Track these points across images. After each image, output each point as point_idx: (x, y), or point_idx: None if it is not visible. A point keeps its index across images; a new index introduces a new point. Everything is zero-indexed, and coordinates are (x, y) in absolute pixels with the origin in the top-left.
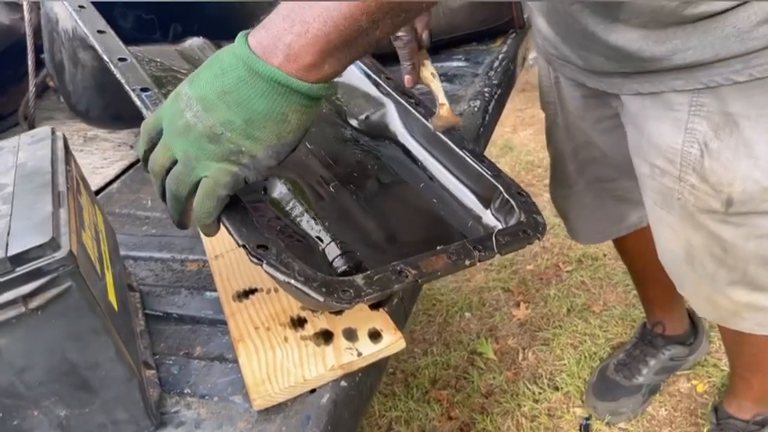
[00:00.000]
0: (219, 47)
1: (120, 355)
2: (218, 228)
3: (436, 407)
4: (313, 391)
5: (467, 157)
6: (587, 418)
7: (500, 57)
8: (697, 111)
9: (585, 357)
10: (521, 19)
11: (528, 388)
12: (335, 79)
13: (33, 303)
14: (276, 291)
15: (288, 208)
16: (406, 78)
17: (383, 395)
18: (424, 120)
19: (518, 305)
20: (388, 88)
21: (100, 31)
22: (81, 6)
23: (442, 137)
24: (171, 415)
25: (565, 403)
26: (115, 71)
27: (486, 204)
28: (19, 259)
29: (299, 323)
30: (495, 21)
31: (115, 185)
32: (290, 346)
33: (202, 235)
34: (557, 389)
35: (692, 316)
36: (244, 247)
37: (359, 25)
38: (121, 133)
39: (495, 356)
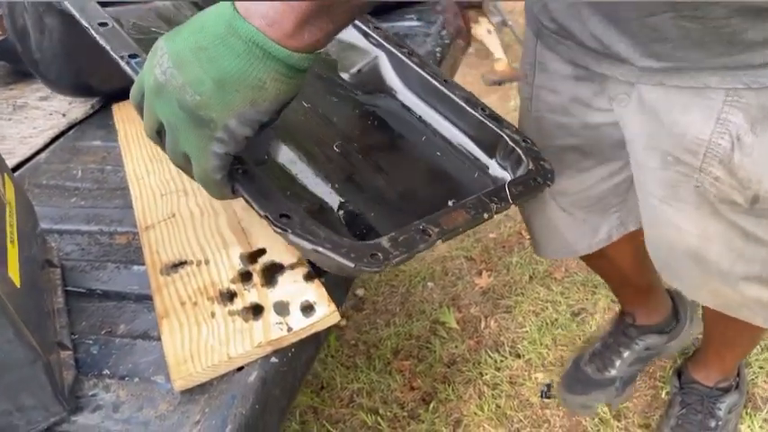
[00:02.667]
0: (197, 5)
1: (19, 336)
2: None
3: (398, 377)
4: (240, 369)
5: (466, 107)
6: (548, 385)
7: None
8: (733, 102)
9: (547, 324)
10: None
11: (490, 356)
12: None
13: None
14: (207, 263)
15: (294, 172)
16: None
17: (345, 367)
18: (419, 70)
19: (480, 273)
20: (379, 38)
21: None
22: None
23: (440, 87)
24: (88, 398)
25: (526, 370)
26: (98, 38)
27: (491, 154)
28: None
29: (228, 297)
30: None
31: (43, 155)
32: (216, 321)
33: (135, 205)
34: (518, 356)
35: (674, 300)
36: (266, 217)
37: None
38: (53, 101)
39: (457, 325)
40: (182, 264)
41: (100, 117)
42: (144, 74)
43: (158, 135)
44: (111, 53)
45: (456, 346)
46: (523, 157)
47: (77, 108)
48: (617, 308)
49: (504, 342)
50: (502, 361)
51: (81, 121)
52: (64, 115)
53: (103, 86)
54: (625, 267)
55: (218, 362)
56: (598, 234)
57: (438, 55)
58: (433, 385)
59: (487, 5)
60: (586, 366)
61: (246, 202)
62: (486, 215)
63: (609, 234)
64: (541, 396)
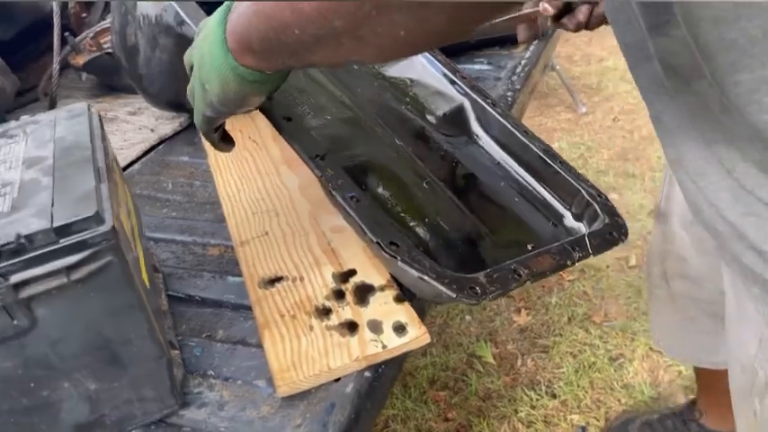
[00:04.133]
0: None
1: (151, 333)
2: (220, 142)
3: (433, 407)
4: (337, 380)
5: (545, 158)
6: (583, 427)
7: (523, 62)
8: None
9: (584, 367)
10: (543, 27)
11: (526, 394)
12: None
13: (75, 275)
14: (301, 280)
15: (389, 205)
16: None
17: None
18: (501, 119)
19: (519, 311)
20: (465, 87)
21: None
22: None
23: (520, 137)
24: (194, 396)
25: (562, 411)
26: None
27: (567, 205)
28: (63, 231)
29: (324, 313)
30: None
31: (136, 167)
32: (314, 334)
33: (229, 222)
34: (554, 396)
35: None
36: (377, 243)
37: (304, 28)
38: (142, 116)
39: (493, 360)
40: (278, 279)
41: (186, 134)
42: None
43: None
44: None
45: (492, 381)
46: (600, 211)
47: (164, 124)
48: (655, 356)
49: (541, 381)
50: (537, 400)
51: (170, 137)
52: (152, 130)
53: None
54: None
55: (318, 372)
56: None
57: (509, 100)
58: (468, 418)
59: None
60: None
61: (359, 227)
62: (569, 262)
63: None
64: None
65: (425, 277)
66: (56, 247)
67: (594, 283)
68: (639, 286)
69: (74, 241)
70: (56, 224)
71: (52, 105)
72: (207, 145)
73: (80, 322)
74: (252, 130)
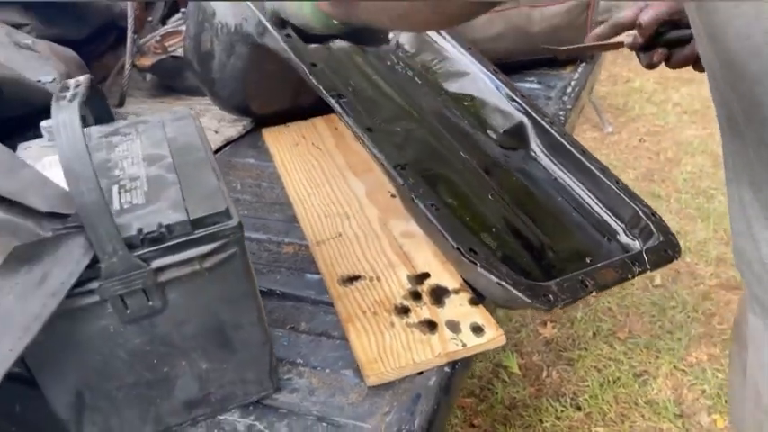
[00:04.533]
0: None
1: (260, 320)
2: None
3: (459, 413)
4: (420, 373)
5: (602, 177)
6: None
7: (572, 83)
8: None
9: (609, 381)
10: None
11: (551, 405)
12: None
13: (206, 264)
14: (378, 280)
15: (459, 213)
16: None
17: None
18: (560, 138)
19: (545, 324)
20: (524, 105)
21: (287, 36)
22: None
23: (578, 155)
24: (285, 381)
25: (586, 423)
26: (313, 79)
27: (622, 222)
28: (199, 223)
29: (403, 311)
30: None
31: None
32: (396, 330)
33: (302, 223)
34: (579, 408)
35: None
36: (458, 249)
37: None
38: (204, 118)
39: (519, 371)
40: (356, 278)
41: (250, 138)
42: None
43: None
44: (323, 91)
45: (517, 391)
46: (654, 230)
47: (226, 127)
48: (679, 375)
49: (566, 393)
50: (562, 411)
51: (235, 140)
52: (216, 132)
53: (260, 110)
54: None
55: (404, 365)
56: None
57: (562, 119)
58: (494, 425)
59: None
60: None
61: (440, 234)
62: (629, 276)
63: None
64: None
65: (503, 283)
66: (192, 237)
67: (620, 300)
68: (664, 305)
69: (207, 233)
70: (192, 217)
71: (121, 103)
72: (273, 150)
73: (202, 306)
74: (315, 137)
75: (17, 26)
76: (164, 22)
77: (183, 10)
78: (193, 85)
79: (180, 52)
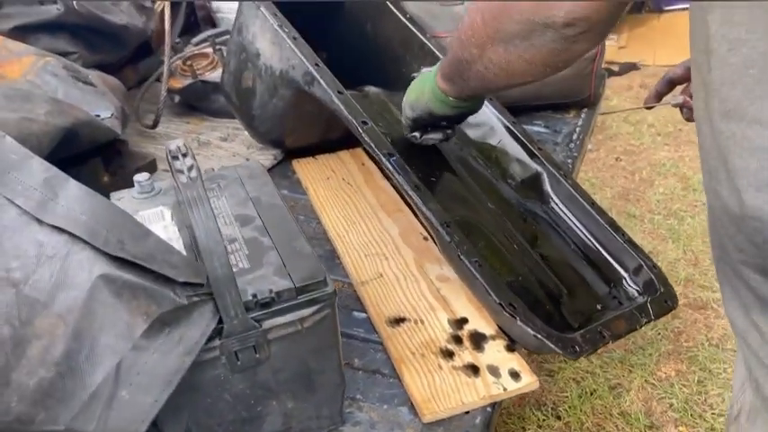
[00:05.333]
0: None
1: (339, 366)
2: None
3: None
4: (467, 412)
5: (610, 230)
6: None
7: (577, 130)
8: None
9: (586, 393)
10: (595, 95)
11: (533, 413)
12: None
13: (306, 324)
14: (422, 323)
15: (490, 262)
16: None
17: None
18: (572, 190)
19: None
20: (542, 158)
21: (339, 92)
22: (317, 65)
23: (589, 208)
24: (347, 415)
25: None
26: (364, 136)
27: (627, 273)
28: (302, 290)
29: (448, 354)
30: (576, 94)
31: None
32: (444, 373)
33: (344, 260)
34: (558, 418)
35: None
36: (500, 304)
37: (461, 55)
38: (233, 143)
39: None
40: (402, 320)
41: (281, 168)
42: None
43: None
44: (374, 149)
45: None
46: (656, 282)
47: (255, 153)
48: (650, 388)
49: (547, 403)
50: (544, 420)
51: (268, 170)
52: (247, 159)
53: (292, 144)
54: None
55: (454, 405)
56: None
57: (570, 166)
58: None
59: None
60: None
61: (484, 289)
62: (637, 326)
63: None
64: None
65: (539, 335)
66: (296, 302)
67: None
68: None
69: (309, 298)
70: (297, 285)
71: (155, 126)
72: (306, 184)
73: (297, 357)
74: (344, 172)
75: (65, 54)
76: (180, 35)
77: (207, 34)
78: (218, 108)
79: (208, 77)
